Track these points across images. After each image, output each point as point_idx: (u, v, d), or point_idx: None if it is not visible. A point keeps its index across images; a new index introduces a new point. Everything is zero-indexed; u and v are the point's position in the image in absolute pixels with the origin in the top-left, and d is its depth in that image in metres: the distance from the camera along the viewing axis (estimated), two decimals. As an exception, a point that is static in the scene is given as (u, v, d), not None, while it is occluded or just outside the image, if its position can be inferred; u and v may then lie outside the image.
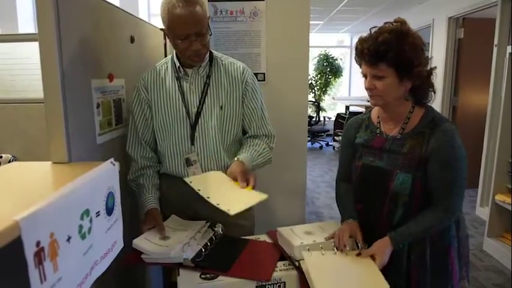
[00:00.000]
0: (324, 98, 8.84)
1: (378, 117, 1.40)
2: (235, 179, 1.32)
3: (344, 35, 9.05)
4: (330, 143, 7.83)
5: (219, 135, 1.47)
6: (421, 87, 1.28)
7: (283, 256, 1.31)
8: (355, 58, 1.32)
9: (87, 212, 0.81)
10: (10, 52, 1.86)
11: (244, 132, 1.56)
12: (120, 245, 0.99)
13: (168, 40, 2.03)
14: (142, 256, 1.27)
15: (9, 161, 1.84)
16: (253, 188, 1.29)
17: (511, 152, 3.08)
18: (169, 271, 1.42)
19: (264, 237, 1.47)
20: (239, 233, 1.48)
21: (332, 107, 9.27)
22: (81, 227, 0.79)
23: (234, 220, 1.42)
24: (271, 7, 2.06)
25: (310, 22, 2.11)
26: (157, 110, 1.47)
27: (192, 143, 1.47)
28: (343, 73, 8.90)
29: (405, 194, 1.27)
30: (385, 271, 1.30)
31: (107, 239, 0.92)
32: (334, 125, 7.65)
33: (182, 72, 1.47)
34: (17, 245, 0.60)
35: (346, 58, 9.25)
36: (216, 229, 1.41)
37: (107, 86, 1.42)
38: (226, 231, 1.42)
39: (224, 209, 1.19)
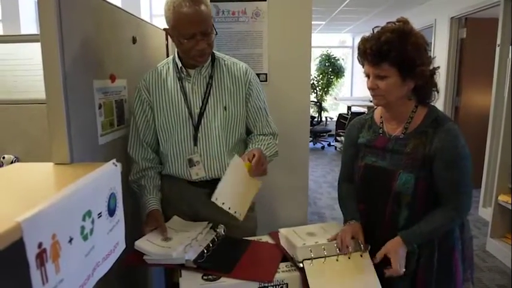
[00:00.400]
0: (325, 99, 8.83)
1: (381, 117, 1.40)
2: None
3: (346, 35, 9.04)
4: (331, 144, 7.82)
5: (222, 136, 1.47)
6: (424, 87, 1.28)
7: (286, 257, 1.31)
8: (358, 58, 1.32)
9: (89, 213, 0.81)
10: (13, 53, 1.86)
11: (248, 132, 1.56)
12: (122, 246, 0.99)
13: (169, 41, 2.05)
14: (145, 257, 1.27)
15: (12, 162, 1.84)
16: (258, 161, 1.30)
17: (514, 152, 3.07)
18: (171, 272, 1.42)
19: (266, 238, 1.47)
20: (241, 234, 1.47)
21: (334, 107, 9.26)
22: (83, 228, 0.79)
23: (236, 221, 1.42)
24: (273, 7, 2.06)
25: (312, 22, 2.11)
26: (160, 110, 1.47)
27: (195, 144, 1.46)
28: (345, 73, 8.89)
29: (408, 194, 1.27)
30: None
31: (109, 240, 0.92)
32: (336, 125, 7.63)
33: (184, 73, 1.46)
34: (18, 246, 0.59)
35: (348, 58, 9.24)
36: (218, 230, 1.41)
37: (109, 87, 1.42)
38: (229, 232, 1.42)
39: (236, 215, 1.30)
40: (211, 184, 1.47)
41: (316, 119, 7.94)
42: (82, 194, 0.79)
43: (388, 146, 1.33)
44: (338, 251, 1.27)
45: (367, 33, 1.28)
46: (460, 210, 1.28)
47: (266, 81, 2.11)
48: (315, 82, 8.63)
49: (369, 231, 1.34)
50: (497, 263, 3.02)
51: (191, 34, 1.33)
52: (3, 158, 1.84)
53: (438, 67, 1.30)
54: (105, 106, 1.39)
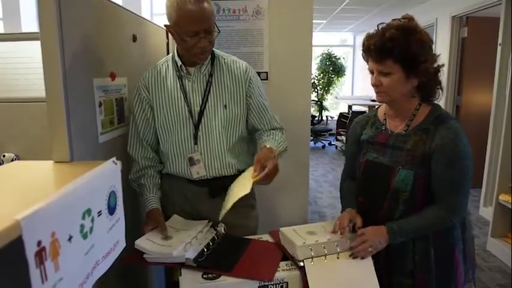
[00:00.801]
0: (326, 97, 8.82)
1: (385, 114, 1.40)
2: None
3: (347, 34, 9.02)
4: (332, 143, 7.81)
5: (223, 135, 1.46)
6: (428, 84, 1.27)
7: (286, 256, 1.30)
8: (362, 54, 1.32)
9: (88, 212, 0.81)
10: (13, 51, 1.87)
11: (253, 130, 1.55)
12: (122, 244, 0.99)
13: (170, 39, 2.04)
14: (145, 256, 1.26)
15: (12, 160, 1.84)
16: (263, 175, 1.26)
17: (515, 151, 3.07)
18: (171, 270, 1.42)
19: (266, 237, 1.46)
20: (242, 233, 1.47)
21: (335, 106, 9.25)
22: (82, 226, 0.78)
23: (239, 220, 1.42)
24: (274, 6, 2.05)
25: (313, 21, 2.10)
26: (159, 109, 1.47)
27: (196, 143, 1.46)
28: (345, 72, 8.88)
29: (406, 190, 1.26)
30: (390, 271, 1.30)
31: (109, 238, 0.92)
32: (336, 124, 7.63)
33: (184, 71, 1.46)
34: (17, 244, 0.59)
35: (349, 57, 9.23)
36: (218, 229, 1.40)
37: (109, 85, 1.42)
38: (229, 231, 1.41)
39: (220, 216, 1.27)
40: (212, 183, 1.47)
41: (316, 118, 7.94)
42: (82, 192, 0.79)
43: (389, 142, 1.33)
44: (338, 249, 1.27)
45: (372, 31, 1.28)
46: (452, 211, 1.26)
47: (267, 79, 2.11)
48: (316, 81, 8.62)
49: (367, 225, 1.33)
50: (497, 263, 3.02)
51: (194, 32, 1.32)
52: (4, 156, 1.84)
53: (443, 65, 1.29)
54: (105, 104, 1.38)
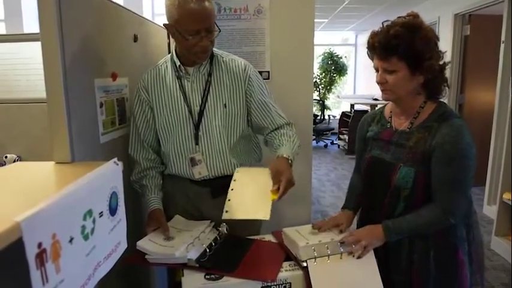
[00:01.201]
0: (328, 97, 8.80)
1: (391, 111, 1.40)
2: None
3: (349, 33, 9.00)
4: (334, 142, 7.79)
5: (224, 134, 1.46)
6: (434, 82, 1.26)
7: (289, 256, 1.30)
8: (367, 53, 1.31)
9: (90, 213, 0.80)
10: (15, 52, 1.87)
11: (259, 129, 1.53)
12: (123, 245, 0.98)
13: (171, 39, 2.03)
14: (147, 257, 1.26)
15: (14, 161, 1.84)
16: (280, 193, 1.27)
17: (518, 150, 3.05)
18: (174, 271, 1.41)
19: (269, 237, 1.46)
20: (245, 233, 1.46)
21: (337, 106, 9.23)
22: (83, 227, 0.78)
23: (241, 220, 1.41)
24: (276, 5, 2.04)
25: (315, 20, 2.09)
26: (159, 110, 1.46)
27: (197, 143, 1.45)
28: (347, 71, 8.85)
29: (407, 188, 1.26)
30: (387, 268, 1.29)
31: (110, 239, 0.91)
32: (339, 123, 7.61)
33: (183, 71, 1.45)
34: (18, 245, 0.59)
35: (350, 56, 9.20)
36: (220, 229, 1.39)
37: (110, 85, 1.41)
38: (233, 230, 1.41)
39: (226, 208, 1.27)
40: (214, 182, 1.47)
41: (319, 117, 7.92)
42: (82, 193, 0.79)
43: (393, 139, 1.33)
44: (341, 250, 1.26)
45: (375, 29, 1.27)
46: (448, 211, 1.23)
47: (268, 79, 2.10)
48: (318, 80, 8.59)
49: (367, 222, 1.35)
50: (502, 261, 3.00)
51: (195, 30, 1.32)
52: (6, 157, 1.84)
53: (449, 62, 1.28)
54: (106, 105, 1.38)
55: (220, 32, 1.40)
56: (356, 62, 9.20)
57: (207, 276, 1.18)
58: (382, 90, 1.29)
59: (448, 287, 1.29)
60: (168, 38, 2.07)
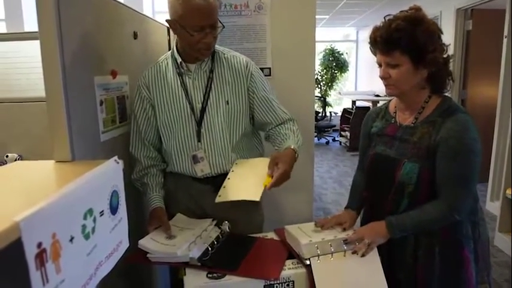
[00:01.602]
0: (330, 93, 8.78)
1: (395, 106, 1.38)
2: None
3: (350, 29, 8.96)
4: (336, 139, 7.78)
5: (226, 131, 1.45)
6: (438, 75, 1.25)
7: (292, 254, 1.29)
8: (370, 48, 1.30)
9: (90, 212, 0.80)
10: (16, 51, 1.86)
11: (261, 126, 1.52)
12: (125, 244, 0.97)
13: (172, 36, 2.02)
14: (148, 255, 1.25)
15: (15, 160, 1.84)
16: (274, 181, 1.25)
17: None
18: (176, 269, 1.41)
19: (271, 235, 1.45)
20: (248, 230, 1.46)
21: (338, 102, 9.20)
22: (84, 226, 0.77)
23: (244, 217, 1.40)
24: (276, 1, 2.03)
25: (316, 16, 2.08)
26: (161, 107, 1.45)
27: (199, 140, 1.44)
28: (349, 68, 8.82)
29: (411, 183, 1.24)
30: (391, 265, 1.28)
31: (112, 238, 0.91)
32: (340, 120, 7.60)
33: (184, 68, 1.44)
34: (19, 245, 0.58)
35: (352, 52, 9.17)
36: (222, 227, 1.39)
37: (110, 83, 1.40)
38: (235, 227, 1.40)
39: (219, 193, 1.31)
40: (216, 180, 1.46)
41: (320, 114, 7.91)
42: (83, 192, 0.78)
43: (397, 135, 1.32)
44: (345, 247, 1.25)
45: (376, 24, 1.26)
46: (452, 207, 1.22)
47: (270, 75, 2.09)
48: (319, 77, 8.57)
49: (371, 219, 1.34)
50: (505, 258, 2.99)
51: (200, 26, 1.31)
52: (7, 156, 1.84)
53: (452, 55, 1.27)
54: (106, 103, 1.37)
55: (224, 28, 1.39)
56: (357, 58, 9.17)
57: (209, 275, 1.17)
58: (385, 85, 1.28)
59: (453, 284, 1.28)
60: (168, 34, 2.06)
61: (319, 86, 8.55)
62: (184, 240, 1.27)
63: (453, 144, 1.19)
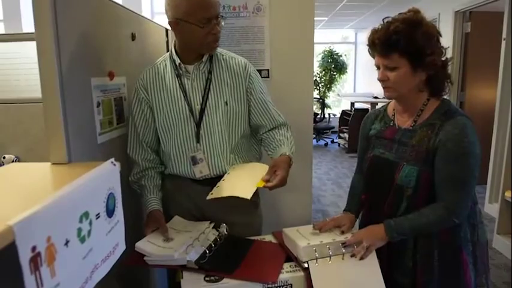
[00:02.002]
0: (328, 95, 8.79)
1: (394, 109, 1.38)
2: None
3: (348, 30, 8.98)
4: (335, 140, 7.78)
5: (225, 132, 1.45)
6: (436, 78, 1.25)
7: (290, 257, 1.28)
8: (368, 50, 1.29)
9: (86, 215, 0.79)
10: (14, 51, 1.85)
11: (257, 128, 1.52)
12: (122, 247, 0.96)
13: (170, 37, 2.02)
14: (145, 258, 1.25)
15: (13, 161, 1.83)
16: (270, 186, 1.27)
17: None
18: (174, 271, 1.40)
19: (269, 238, 1.44)
20: (246, 232, 1.45)
21: (337, 104, 9.22)
22: (80, 230, 0.76)
23: (243, 219, 1.40)
24: (275, 2, 2.03)
25: (315, 18, 2.08)
26: (159, 109, 1.45)
27: (198, 141, 1.44)
28: (347, 69, 8.84)
29: (410, 187, 1.24)
30: (390, 269, 1.27)
31: (108, 241, 0.90)
32: (339, 122, 7.60)
33: (183, 69, 1.44)
34: (14, 247, 0.57)
35: (350, 54, 9.18)
36: (220, 230, 1.38)
37: (107, 84, 1.39)
38: (233, 230, 1.40)
39: (212, 191, 1.32)
40: (215, 181, 1.45)
41: (319, 116, 7.92)
42: (78, 195, 0.77)
43: (396, 137, 1.31)
44: (343, 250, 1.24)
45: (375, 26, 1.26)
46: (451, 211, 1.21)
47: (268, 77, 2.08)
48: (318, 79, 8.58)
49: (370, 221, 1.33)
50: (504, 260, 2.99)
51: (208, 18, 1.32)
52: (4, 157, 1.83)
53: (451, 57, 1.26)
54: (103, 104, 1.36)
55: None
56: (356, 60, 9.19)
57: (206, 278, 1.16)
58: (383, 88, 1.28)
59: (452, 287, 1.28)
60: (167, 36, 2.05)
61: (317, 87, 8.56)
62: (181, 243, 1.27)
63: (452, 148, 1.19)
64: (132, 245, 1.24)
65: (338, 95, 8.84)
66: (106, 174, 0.91)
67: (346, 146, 6.90)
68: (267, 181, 1.27)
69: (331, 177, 5.39)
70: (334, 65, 8.57)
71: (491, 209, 3.76)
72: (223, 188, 1.33)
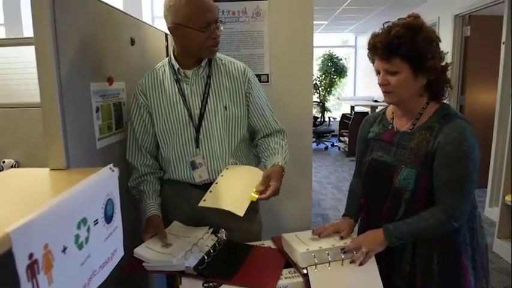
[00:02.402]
0: (328, 99, 8.80)
1: (393, 112, 1.38)
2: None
3: (348, 34, 9.00)
4: (335, 144, 7.78)
5: (224, 137, 1.44)
6: (436, 83, 1.25)
7: (289, 263, 1.27)
8: (367, 55, 1.29)
9: (84, 221, 0.78)
10: (15, 56, 1.85)
11: (253, 133, 1.53)
12: (120, 253, 0.96)
13: (169, 42, 2.02)
14: (144, 264, 1.24)
15: (12, 166, 1.83)
16: (263, 197, 1.30)
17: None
18: (174, 277, 1.39)
19: (268, 243, 1.44)
20: (246, 238, 1.45)
21: (337, 107, 9.22)
22: (77, 236, 0.76)
23: (242, 225, 1.40)
24: (274, 7, 2.03)
25: (314, 22, 2.08)
26: (159, 115, 1.44)
27: (197, 146, 1.44)
28: (347, 73, 8.85)
29: (408, 190, 1.24)
30: (389, 273, 1.27)
31: (106, 247, 0.89)
32: (339, 125, 7.61)
33: (182, 74, 1.44)
34: (12, 255, 0.57)
35: (350, 58, 9.20)
36: (219, 235, 1.37)
37: (106, 90, 1.39)
38: (233, 235, 1.39)
39: (204, 197, 1.34)
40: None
41: (319, 120, 7.92)
42: (76, 201, 0.77)
43: (394, 140, 1.31)
44: (342, 256, 1.24)
45: (375, 30, 1.26)
46: (450, 214, 1.21)
47: (268, 82, 2.08)
48: (318, 82, 8.60)
49: (368, 226, 1.33)
50: (504, 264, 2.97)
51: (208, 22, 1.33)
52: (3, 162, 1.82)
53: (451, 63, 1.27)
54: (102, 109, 1.36)
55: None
56: (356, 63, 9.20)
57: (205, 284, 1.16)
58: (384, 93, 1.27)
59: None
60: (166, 41, 2.05)
61: (318, 91, 8.58)
62: (180, 249, 1.26)
63: (450, 151, 1.18)
64: (131, 250, 1.24)
65: (338, 98, 8.85)
66: (104, 180, 0.91)
67: (347, 149, 6.90)
68: (261, 192, 1.29)
69: (332, 181, 5.38)
70: (334, 69, 8.59)
71: (491, 213, 3.75)
72: (217, 195, 1.34)
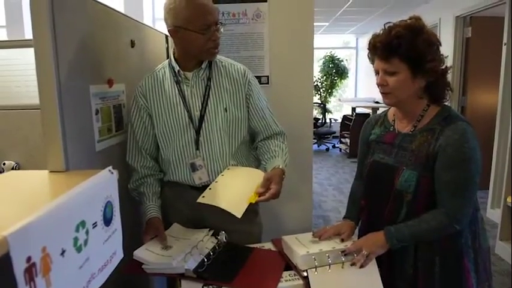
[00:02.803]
0: (329, 100, 8.80)
1: (394, 114, 1.38)
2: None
3: (349, 36, 9.01)
4: (336, 145, 7.77)
5: (225, 139, 1.44)
6: (436, 85, 1.24)
7: (289, 266, 1.27)
8: (367, 55, 1.29)
9: (82, 224, 0.78)
10: (16, 58, 1.85)
11: (253, 136, 1.53)
12: (119, 255, 0.96)
13: (170, 44, 2.02)
14: (143, 266, 1.24)
15: (13, 168, 1.83)
16: (262, 199, 1.29)
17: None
18: (174, 280, 1.39)
19: (268, 245, 1.43)
20: (246, 240, 1.44)
21: (338, 109, 9.21)
22: (76, 239, 0.76)
23: (242, 226, 1.39)
24: (275, 9, 2.03)
25: (315, 24, 2.08)
26: (159, 117, 1.44)
27: (197, 148, 1.44)
28: (348, 74, 8.85)
29: (409, 192, 1.23)
30: (391, 276, 1.26)
31: (105, 250, 0.89)
32: (340, 126, 7.60)
33: (182, 76, 1.44)
34: (9, 258, 0.57)
35: (351, 59, 9.20)
36: (219, 237, 1.37)
37: (106, 92, 1.39)
38: (233, 238, 1.39)
39: (203, 194, 1.34)
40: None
41: (320, 121, 7.91)
42: (75, 204, 0.77)
43: (396, 142, 1.31)
44: (343, 259, 1.23)
45: (376, 31, 1.26)
46: (452, 217, 1.20)
47: (268, 83, 2.08)
48: (319, 84, 8.59)
49: (368, 229, 1.32)
50: (506, 266, 2.96)
51: (208, 25, 1.33)
52: (4, 164, 1.82)
53: (451, 66, 1.26)
54: (102, 111, 1.36)
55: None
56: (357, 65, 9.21)
57: (205, 287, 1.15)
58: (382, 93, 1.27)
59: None
60: (167, 42, 2.05)
61: (319, 92, 8.57)
62: (180, 251, 1.26)
63: (452, 153, 1.18)
64: (131, 252, 1.24)
65: (339, 99, 8.85)
66: (103, 183, 0.90)
67: (348, 151, 6.89)
68: (261, 194, 1.29)
69: (333, 183, 5.38)
70: (335, 70, 8.59)
71: (493, 214, 3.74)
72: (215, 193, 1.34)
